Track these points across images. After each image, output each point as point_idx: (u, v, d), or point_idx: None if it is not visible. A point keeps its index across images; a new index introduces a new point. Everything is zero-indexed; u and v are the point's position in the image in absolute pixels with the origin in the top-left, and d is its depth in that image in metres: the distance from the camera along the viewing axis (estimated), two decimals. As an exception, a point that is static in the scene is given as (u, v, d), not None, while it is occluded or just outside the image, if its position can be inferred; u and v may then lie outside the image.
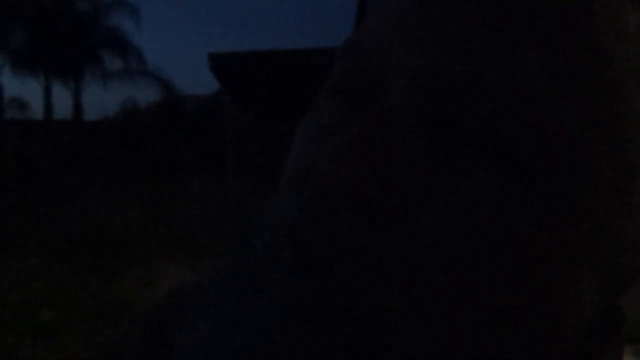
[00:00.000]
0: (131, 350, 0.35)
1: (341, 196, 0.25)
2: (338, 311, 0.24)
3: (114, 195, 10.29)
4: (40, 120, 20.25)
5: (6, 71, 20.65)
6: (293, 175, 0.30)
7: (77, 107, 21.77)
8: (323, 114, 0.30)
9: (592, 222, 0.25)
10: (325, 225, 0.25)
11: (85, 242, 6.93)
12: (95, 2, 21.44)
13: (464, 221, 0.24)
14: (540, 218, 0.24)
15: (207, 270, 0.32)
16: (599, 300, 0.27)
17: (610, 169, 0.25)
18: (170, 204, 9.44)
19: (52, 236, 7.28)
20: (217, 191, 10.01)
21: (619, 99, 0.25)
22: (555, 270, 0.25)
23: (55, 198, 10.18)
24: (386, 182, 0.25)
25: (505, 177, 0.24)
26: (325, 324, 0.24)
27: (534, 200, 0.24)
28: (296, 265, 0.25)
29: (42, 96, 21.43)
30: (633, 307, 0.29)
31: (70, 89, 21.88)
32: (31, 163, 12.08)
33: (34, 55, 20.35)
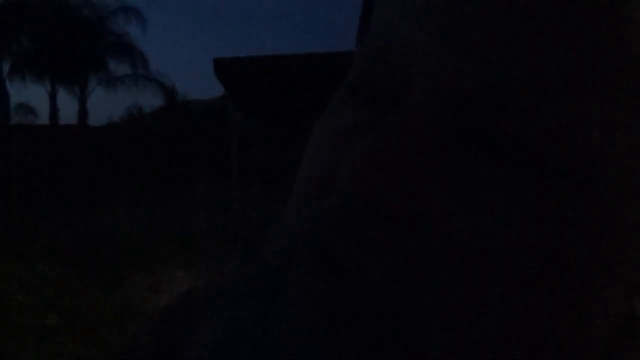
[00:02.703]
0: (143, 353, 0.35)
1: (362, 203, 0.24)
2: (359, 319, 0.24)
3: (119, 199, 10.29)
4: (45, 125, 20.31)
5: (11, 77, 20.70)
6: (310, 181, 0.29)
7: (82, 112, 21.84)
8: (341, 118, 0.30)
9: (620, 230, 0.25)
10: (345, 232, 0.25)
11: (90, 247, 6.93)
12: (101, 8, 21.53)
13: (488, 229, 0.24)
14: (570, 226, 0.24)
15: (217, 275, 0.32)
16: (623, 307, 0.26)
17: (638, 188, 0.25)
18: (176, 208, 9.44)
19: (58, 240, 7.29)
20: (222, 196, 10.00)
21: None
22: (583, 278, 0.24)
23: (61, 203, 10.19)
24: (408, 189, 0.24)
25: (533, 185, 0.24)
26: (346, 331, 0.24)
27: (563, 209, 0.24)
28: (315, 273, 0.25)
29: (48, 102, 21.52)
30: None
31: (76, 94, 21.96)
32: (37, 168, 12.11)
33: (39, 61, 20.43)
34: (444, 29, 0.25)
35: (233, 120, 11.66)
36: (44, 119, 22.08)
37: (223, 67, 9.49)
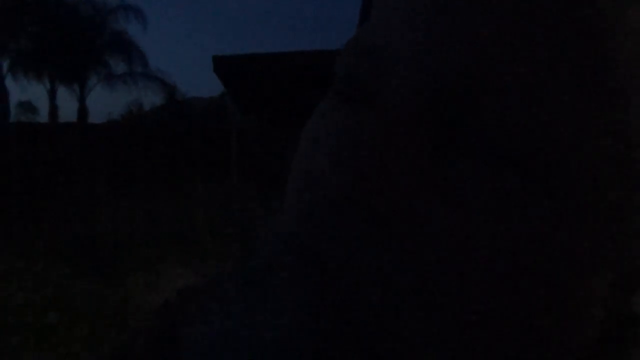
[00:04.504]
0: (140, 349, 0.35)
1: (341, 199, 0.25)
2: (343, 316, 0.24)
3: (119, 197, 10.30)
4: (45, 123, 20.31)
5: (12, 75, 20.69)
6: (296, 179, 0.30)
7: (82, 110, 21.83)
8: (325, 116, 0.30)
9: (601, 223, 0.25)
10: (326, 229, 0.25)
11: (90, 245, 6.93)
12: (101, 6, 21.51)
13: (469, 222, 0.24)
14: (548, 220, 0.24)
15: (215, 273, 0.32)
16: (611, 300, 0.27)
17: (617, 171, 0.25)
18: (175, 206, 9.44)
19: (57, 239, 7.29)
20: (221, 193, 10.01)
21: (622, 103, 0.25)
22: (564, 271, 0.25)
23: (61, 201, 10.19)
24: (387, 185, 0.24)
25: (513, 181, 0.24)
26: (331, 328, 0.24)
27: (541, 203, 0.24)
28: (300, 271, 0.25)
29: (48, 99, 21.52)
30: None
31: (75, 92, 21.95)
32: (36, 166, 12.11)
33: (39, 59, 20.41)
34: (422, 33, 0.26)
35: (232, 117, 11.65)
36: (43, 116, 22.12)
37: (222, 65, 9.49)
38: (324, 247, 0.25)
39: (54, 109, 21.44)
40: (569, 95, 0.24)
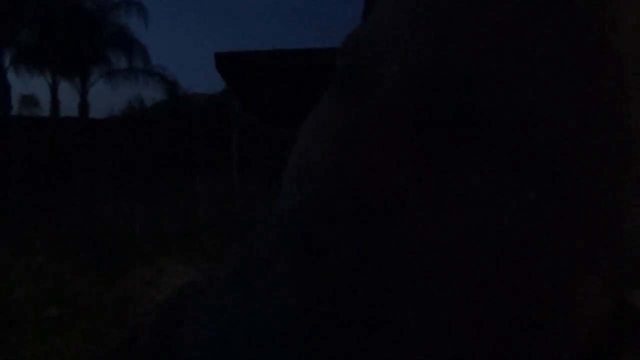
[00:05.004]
0: (142, 344, 0.35)
1: (335, 188, 0.25)
2: (339, 305, 0.24)
3: (120, 193, 10.30)
4: (46, 117, 20.31)
5: (14, 68, 20.69)
6: (294, 170, 0.30)
7: (84, 105, 21.82)
8: (323, 109, 0.31)
9: (594, 220, 0.25)
10: (323, 217, 0.26)
11: (90, 240, 6.93)
12: (103, 1, 21.49)
13: (460, 216, 0.24)
14: (547, 219, 0.24)
15: (215, 268, 0.32)
16: (610, 298, 0.27)
17: (617, 169, 0.25)
18: (176, 202, 9.45)
19: (58, 234, 7.29)
20: (222, 190, 10.01)
21: (622, 101, 0.25)
22: (563, 269, 0.25)
23: (62, 195, 10.20)
24: (376, 175, 0.25)
25: (505, 174, 0.24)
26: (327, 318, 0.24)
27: (532, 198, 0.24)
28: (299, 259, 0.26)
29: (49, 93, 21.51)
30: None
31: (77, 86, 21.94)
32: (38, 160, 12.11)
33: (41, 53, 20.40)
34: (414, 26, 0.26)
35: (233, 114, 11.65)
36: (45, 110, 22.12)
37: (224, 62, 9.47)
38: (319, 236, 0.25)
39: (55, 103, 21.42)
40: (569, 94, 0.24)
